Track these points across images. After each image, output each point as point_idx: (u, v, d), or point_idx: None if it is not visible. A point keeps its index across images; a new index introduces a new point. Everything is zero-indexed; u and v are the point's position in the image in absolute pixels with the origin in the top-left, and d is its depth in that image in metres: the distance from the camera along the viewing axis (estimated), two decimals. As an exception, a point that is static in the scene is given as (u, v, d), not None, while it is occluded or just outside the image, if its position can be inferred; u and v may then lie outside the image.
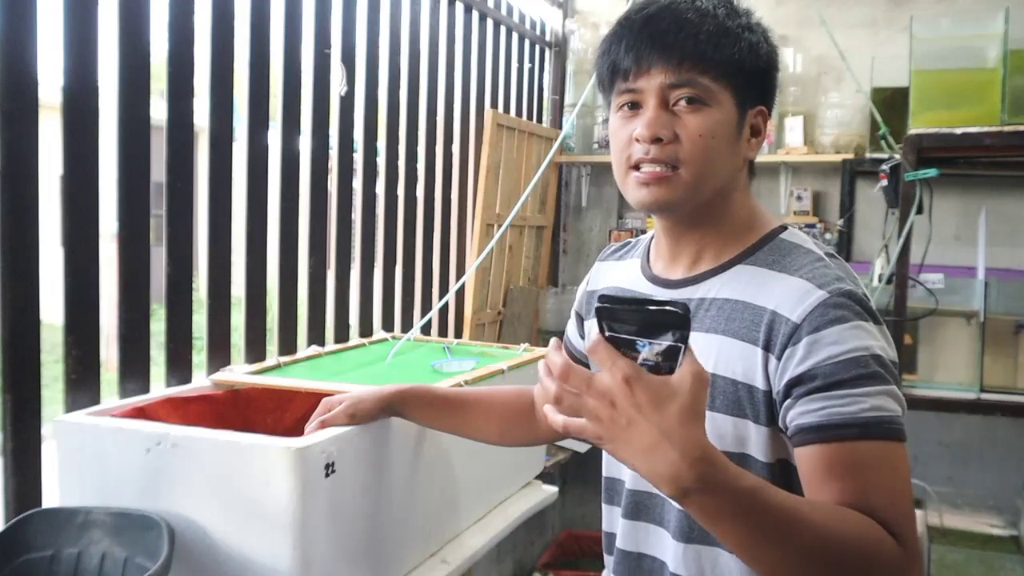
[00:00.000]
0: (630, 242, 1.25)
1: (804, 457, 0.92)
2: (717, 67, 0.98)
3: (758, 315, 0.97)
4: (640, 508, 1.10)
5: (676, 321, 0.72)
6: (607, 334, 0.73)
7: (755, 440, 0.98)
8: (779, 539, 0.79)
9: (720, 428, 0.99)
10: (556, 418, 0.78)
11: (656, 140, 0.98)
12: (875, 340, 0.92)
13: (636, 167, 1.01)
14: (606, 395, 0.74)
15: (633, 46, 0.99)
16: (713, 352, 1.00)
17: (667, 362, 0.74)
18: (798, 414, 0.92)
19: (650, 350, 0.72)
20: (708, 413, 0.95)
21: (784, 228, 1.07)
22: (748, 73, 1.00)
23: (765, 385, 0.96)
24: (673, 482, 0.75)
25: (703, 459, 0.75)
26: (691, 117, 0.98)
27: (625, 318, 0.73)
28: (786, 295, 0.96)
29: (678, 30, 0.98)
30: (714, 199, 1.02)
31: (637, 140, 1.00)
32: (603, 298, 0.74)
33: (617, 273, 1.20)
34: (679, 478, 0.74)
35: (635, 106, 1.01)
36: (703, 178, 1.00)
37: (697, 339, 1.00)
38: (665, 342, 0.72)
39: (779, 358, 0.94)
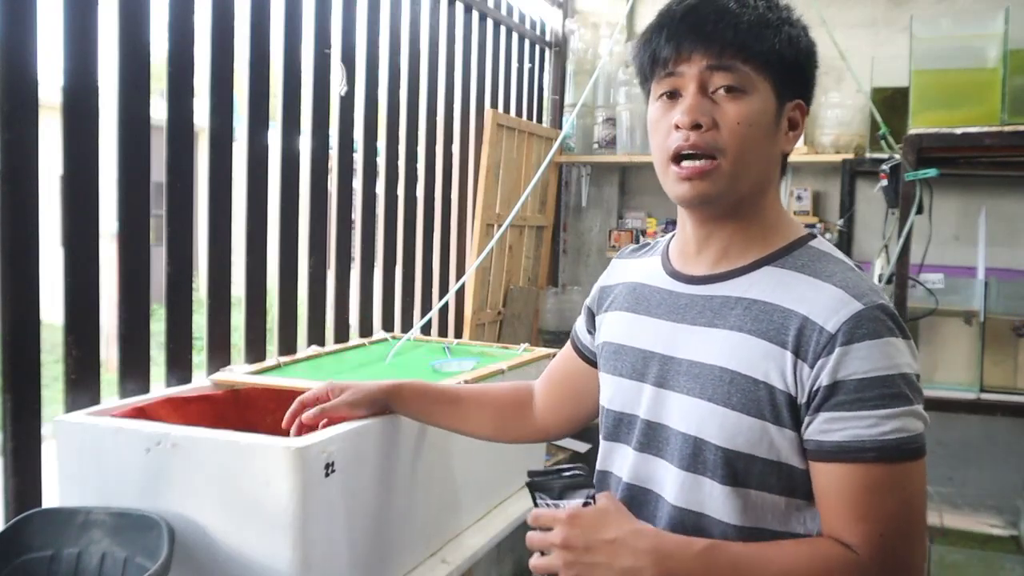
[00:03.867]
0: (649, 243, 1.25)
1: (820, 473, 0.96)
2: (757, 56, 0.98)
3: (787, 318, 0.97)
4: (634, 503, 1.10)
5: (584, 482, 0.99)
6: (538, 503, 1.00)
7: (774, 441, 0.98)
8: None
9: (733, 426, 0.98)
10: None
11: (695, 126, 0.98)
12: (904, 357, 0.94)
13: (676, 161, 1.00)
14: (561, 539, 0.94)
15: (674, 35, 1.00)
16: (736, 350, 1.00)
17: None
18: (819, 429, 0.95)
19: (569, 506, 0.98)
20: (722, 409, 0.98)
21: (813, 236, 1.07)
22: (787, 65, 1.01)
23: (792, 390, 0.96)
24: (643, 568, 0.92)
25: (653, 537, 0.94)
26: (730, 105, 0.98)
27: (548, 486, 1.00)
28: (820, 302, 0.96)
29: (719, 19, 0.98)
30: (750, 193, 1.02)
31: (677, 127, 0.99)
32: (531, 473, 1.01)
33: (635, 268, 1.20)
34: (643, 560, 0.92)
35: (674, 95, 1.01)
36: (742, 168, 1.00)
37: (720, 336, 1.02)
38: (579, 500, 0.98)
39: (812, 366, 0.95)
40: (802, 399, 0.96)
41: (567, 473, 0.99)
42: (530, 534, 0.98)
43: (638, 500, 1.10)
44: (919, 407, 0.94)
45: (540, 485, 1.00)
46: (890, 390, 0.92)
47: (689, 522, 1.03)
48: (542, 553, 0.97)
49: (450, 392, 1.40)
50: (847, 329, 0.93)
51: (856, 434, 0.92)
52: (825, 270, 1.00)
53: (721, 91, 0.98)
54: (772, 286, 1.01)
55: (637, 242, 3.52)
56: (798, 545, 0.97)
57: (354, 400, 1.35)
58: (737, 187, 1.01)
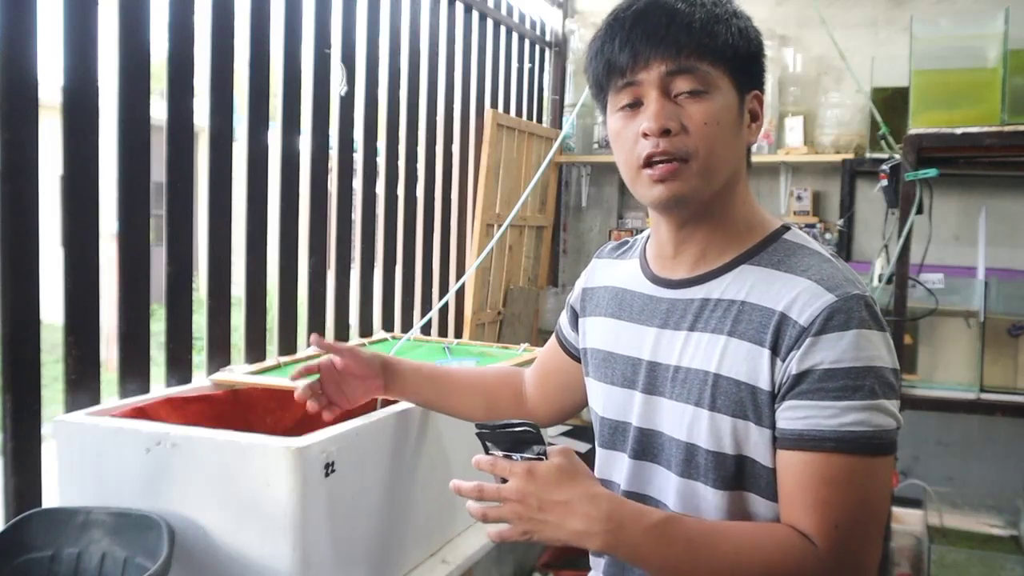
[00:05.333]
0: (628, 241, 1.24)
1: (781, 460, 0.96)
2: (713, 53, 0.97)
3: (766, 317, 0.97)
4: None
5: (534, 437, 0.95)
6: (490, 454, 0.98)
7: (758, 442, 0.98)
8: (692, 563, 0.92)
9: (720, 429, 0.99)
10: (491, 532, 0.96)
11: (664, 132, 0.97)
12: (875, 350, 0.93)
13: (646, 165, 0.99)
14: (516, 492, 0.93)
15: (628, 41, 0.98)
16: (718, 353, 1.00)
17: None
18: (783, 417, 0.95)
19: (522, 460, 0.96)
20: (707, 413, 0.98)
21: (787, 228, 1.06)
22: (742, 57, 1.00)
23: (769, 386, 0.96)
24: (594, 534, 0.91)
25: (606, 503, 0.92)
26: (695, 106, 0.98)
27: (499, 439, 0.97)
28: (795, 297, 0.96)
29: (671, 21, 0.97)
30: (721, 190, 1.02)
31: (644, 135, 0.98)
32: (480, 425, 0.98)
33: (616, 272, 1.20)
34: (595, 527, 0.91)
35: (635, 105, 1.00)
36: (714, 167, 0.99)
37: (702, 340, 1.02)
38: (530, 455, 0.96)
39: (784, 360, 0.95)
40: (776, 391, 0.96)
41: (517, 428, 0.96)
42: (483, 484, 0.96)
43: None
44: (887, 403, 0.93)
45: (492, 437, 0.98)
46: (855, 382, 0.91)
47: None
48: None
49: (440, 370, 1.40)
50: (820, 321, 0.93)
51: (816, 423, 0.92)
52: (800, 264, 1.00)
53: (684, 94, 0.98)
54: (750, 285, 1.01)
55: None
56: (756, 527, 0.97)
57: (354, 351, 1.31)
58: (709, 186, 1.00)
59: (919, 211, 2.32)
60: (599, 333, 1.18)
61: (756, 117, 1.05)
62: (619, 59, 0.99)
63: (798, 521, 0.94)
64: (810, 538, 0.93)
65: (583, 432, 3.07)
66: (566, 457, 0.95)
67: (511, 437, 0.96)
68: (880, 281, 2.49)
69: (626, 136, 1.01)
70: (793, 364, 0.93)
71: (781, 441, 0.95)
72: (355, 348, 1.35)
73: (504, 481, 0.95)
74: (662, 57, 0.97)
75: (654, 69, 0.98)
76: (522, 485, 0.93)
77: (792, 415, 0.94)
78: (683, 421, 1.02)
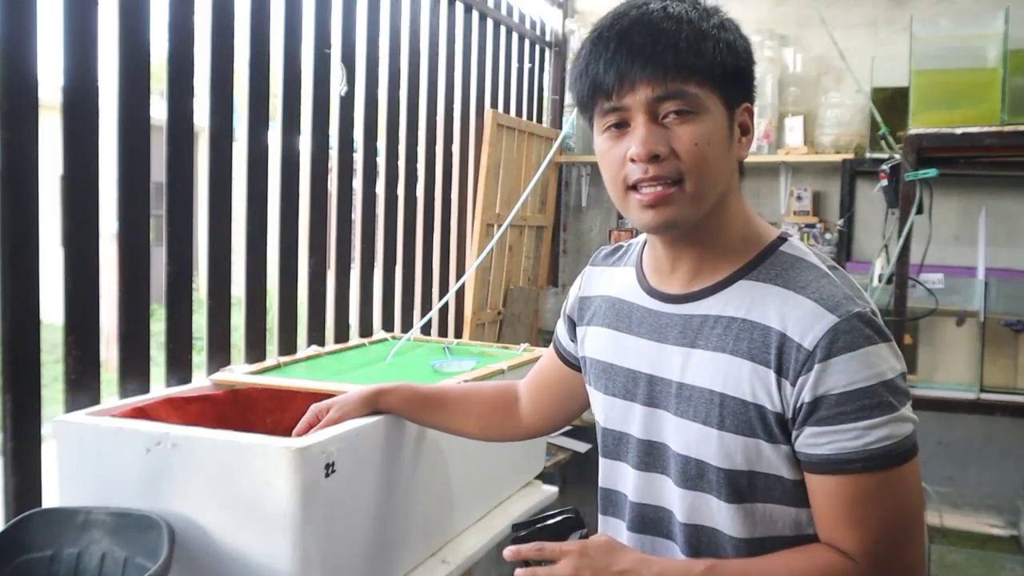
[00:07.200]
0: (622, 246, 1.22)
1: (812, 483, 0.97)
2: (701, 73, 0.94)
3: (766, 335, 0.96)
4: (647, 522, 1.10)
5: (575, 523, 0.99)
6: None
7: (771, 458, 0.98)
8: None
9: (729, 447, 0.98)
10: None
11: (653, 158, 0.95)
12: (884, 363, 0.92)
13: (635, 188, 0.98)
14: (572, 567, 0.94)
15: (612, 62, 0.95)
16: (721, 371, 0.99)
17: None
18: (806, 444, 0.95)
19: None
20: (716, 432, 0.99)
21: (783, 240, 1.05)
22: (731, 73, 0.97)
23: (779, 408, 0.95)
24: None
25: (657, 564, 0.97)
26: (683, 128, 0.95)
27: (538, 537, 0.97)
28: (796, 317, 0.95)
29: (656, 42, 0.94)
30: (712, 209, 1.00)
31: (632, 160, 0.96)
32: (516, 527, 0.99)
33: (611, 281, 1.19)
34: None
35: (621, 125, 0.98)
36: (706, 188, 0.97)
37: (704, 357, 1.00)
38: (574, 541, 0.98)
39: (793, 384, 0.94)
40: (788, 415, 0.95)
41: (557, 519, 0.97)
42: (536, 569, 0.97)
43: (650, 519, 1.09)
44: (905, 410, 0.93)
45: (529, 538, 0.98)
46: (871, 400, 0.91)
47: (704, 536, 1.03)
48: None
49: (435, 395, 1.41)
50: (824, 344, 0.92)
51: (841, 447, 0.92)
52: (799, 280, 0.98)
53: (671, 116, 0.95)
54: (749, 302, 0.99)
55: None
56: (797, 555, 0.97)
57: (340, 416, 1.38)
58: (700, 208, 0.98)
59: (919, 211, 2.32)
60: (598, 343, 1.17)
61: (747, 131, 1.02)
62: (604, 81, 0.96)
63: (838, 541, 0.95)
64: (851, 556, 0.94)
65: (583, 432, 3.07)
66: (609, 536, 1.00)
67: (550, 531, 0.98)
68: (880, 281, 2.49)
69: (613, 157, 0.99)
70: (806, 391, 0.93)
71: (808, 466, 0.96)
72: (343, 414, 1.38)
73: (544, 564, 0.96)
74: (648, 80, 0.94)
75: (640, 92, 0.95)
76: (576, 561, 0.95)
77: (815, 441, 0.94)
78: (690, 438, 1.02)
